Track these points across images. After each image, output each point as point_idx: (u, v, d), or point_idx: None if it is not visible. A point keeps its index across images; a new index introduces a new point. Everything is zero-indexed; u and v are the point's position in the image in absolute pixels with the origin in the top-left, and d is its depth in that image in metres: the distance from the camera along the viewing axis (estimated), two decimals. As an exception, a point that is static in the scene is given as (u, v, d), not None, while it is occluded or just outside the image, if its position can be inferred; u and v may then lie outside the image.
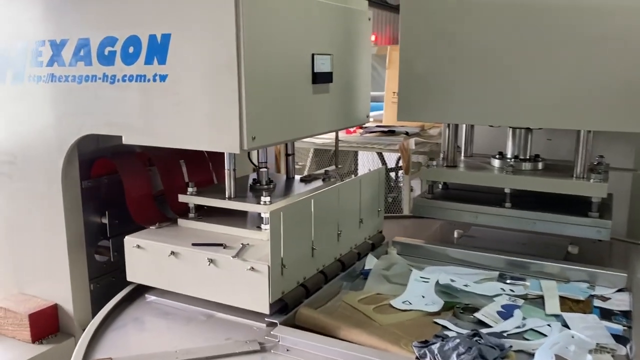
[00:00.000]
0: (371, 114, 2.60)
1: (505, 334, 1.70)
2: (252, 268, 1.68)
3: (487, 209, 2.36)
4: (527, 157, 2.44)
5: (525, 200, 2.40)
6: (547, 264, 2.18)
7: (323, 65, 1.95)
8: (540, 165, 2.43)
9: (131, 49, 1.74)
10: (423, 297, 1.95)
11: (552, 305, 1.89)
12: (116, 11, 1.75)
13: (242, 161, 2.28)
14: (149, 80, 1.73)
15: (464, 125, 2.70)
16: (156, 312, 1.89)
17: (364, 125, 3.94)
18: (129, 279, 1.96)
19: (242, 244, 1.81)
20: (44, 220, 2.06)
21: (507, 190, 2.33)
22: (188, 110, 1.68)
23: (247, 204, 1.91)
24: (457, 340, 1.54)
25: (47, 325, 2.09)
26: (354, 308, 1.89)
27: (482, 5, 2.20)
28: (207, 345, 1.64)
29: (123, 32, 1.75)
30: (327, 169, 2.43)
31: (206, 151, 2.30)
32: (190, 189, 2.03)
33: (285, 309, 1.74)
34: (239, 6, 1.54)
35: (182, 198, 2.04)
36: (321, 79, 1.95)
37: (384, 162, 4.72)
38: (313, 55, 1.90)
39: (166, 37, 1.67)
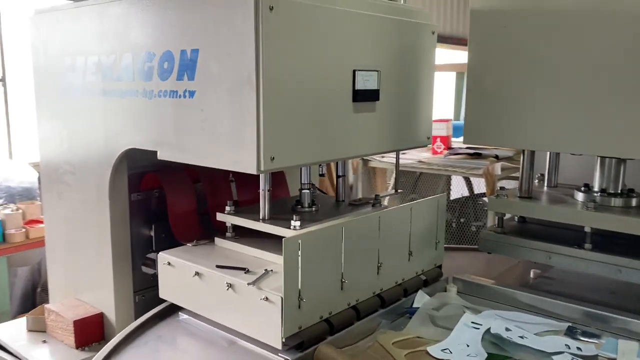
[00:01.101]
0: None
1: (552, 404, 1.42)
2: (267, 298, 1.57)
3: (563, 249, 2.04)
4: (618, 192, 2.09)
5: (613, 242, 2.05)
6: (634, 320, 1.83)
7: (367, 82, 1.81)
8: (634, 202, 2.06)
9: (166, 65, 1.73)
10: (468, 346, 1.71)
11: (624, 374, 1.56)
12: (154, 27, 1.75)
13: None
14: (180, 96, 1.70)
15: (548, 152, 2.38)
16: (181, 332, 1.84)
17: (451, 146, 3.69)
18: (160, 295, 1.94)
19: (265, 269, 1.70)
20: (94, 230, 2.12)
21: (587, 230, 1.99)
22: (212, 127, 1.63)
23: (275, 227, 1.81)
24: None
25: (91, 332, 2.13)
26: (386, 351, 1.71)
27: (565, 20, 1.92)
28: (215, 374, 1.56)
29: (159, 48, 1.74)
30: (386, 193, 2.26)
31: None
32: (228, 208, 1.97)
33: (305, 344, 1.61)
34: (259, 21, 1.45)
35: (219, 217, 1.99)
36: (364, 96, 1.81)
37: (470, 187, 4.38)
38: (354, 71, 1.76)
39: (195, 53, 1.63)
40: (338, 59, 1.72)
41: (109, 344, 1.73)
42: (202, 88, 1.64)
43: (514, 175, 3.43)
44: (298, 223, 1.75)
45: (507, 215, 2.35)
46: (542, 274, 2.37)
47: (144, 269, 2.20)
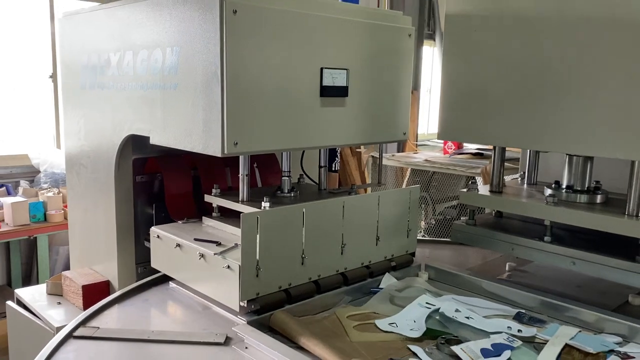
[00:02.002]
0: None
1: (473, 373, 1.56)
2: (228, 266, 1.78)
3: (524, 241, 2.15)
4: (584, 189, 2.17)
5: (576, 236, 2.14)
6: (584, 310, 1.92)
7: (336, 79, 1.99)
8: (598, 199, 2.15)
9: (156, 61, 1.98)
10: (414, 322, 1.87)
11: (549, 352, 1.67)
12: (148, 29, 2.01)
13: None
14: (166, 88, 1.95)
15: (528, 151, 2.49)
16: (166, 298, 2.08)
17: (462, 147, 3.79)
18: (152, 265, 2.20)
19: (236, 243, 1.92)
20: (102, 207, 2.40)
21: (546, 223, 2.10)
22: (189, 115, 1.86)
23: (248, 207, 2.02)
24: (397, 366, 1.47)
25: (97, 297, 2.39)
26: (339, 321, 1.88)
27: (529, 24, 2.04)
28: (182, 331, 1.79)
29: (151, 46, 1.99)
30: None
31: (254, 159, 2.49)
32: (214, 191, 2.20)
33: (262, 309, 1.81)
34: (224, 23, 1.68)
35: (207, 198, 2.22)
36: (331, 92, 1.99)
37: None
38: (322, 69, 1.96)
39: (177, 50, 1.87)
40: (304, 58, 1.91)
41: (101, 300, 2.00)
42: (182, 81, 1.88)
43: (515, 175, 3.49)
44: (268, 204, 1.95)
45: (488, 210, 2.48)
46: (517, 267, 2.47)
47: (146, 243, 2.46)
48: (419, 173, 4.34)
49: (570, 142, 2.02)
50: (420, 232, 4.00)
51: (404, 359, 1.65)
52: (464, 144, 4.08)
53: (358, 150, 4.74)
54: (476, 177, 3.37)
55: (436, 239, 3.01)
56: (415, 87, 6.09)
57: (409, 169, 4.30)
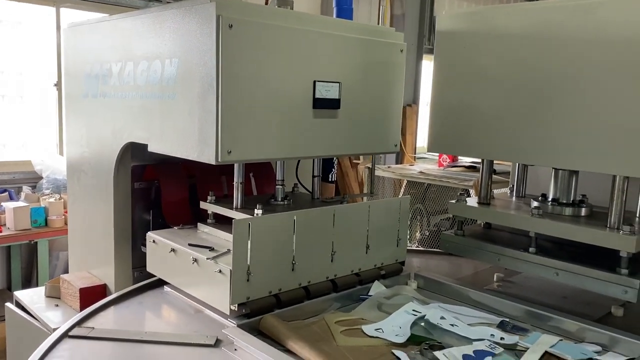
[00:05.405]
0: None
1: (454, 377, 1.62)
2: (220, 271, 1.85)
3: (510, 252, 2.20)
4: (570, 202, 2.23)
5: (561, 248, 2.19)
6: (566, 320, 1.98)
7: (328, 92, 2.07)
8: (583, 212, 2.20)
9: (155, 71, 2.05)
10: (400, 328, 1.92)
11: (528, 359, 1.72)
12: (148, 41, 2.09)
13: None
14: (164, 98, 2.03)
15: (517, 164, 2.55)
16: (160, 301, 2.14)
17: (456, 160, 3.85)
18: (148, 269, 2.26)
19: (228, 249, 1.98)
20: (101, 212, 2.47)
21: (531, 234, 2.16)
22: (186, 124, 1.93)
23: (241, 214, 2.08)
24: (379, 369, 1.52)
25: (94, 300, 2.45)
26: (327, 326, 1.94)
27: (515, 42, 2.11)
28: (174, 332, 1.85)
29: (151, 57, 2.07)
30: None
31: (250, 169, 2.55)
32: (209, 198, 2.27)
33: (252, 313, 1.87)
34: (219, 37, 1.76)
35: (202, 205, 2.29)
36: (324, 104, 2.07)
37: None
38: (315, 82, 2.03)
39: (175, 62, 1.95)
40: (298, 71, 1.99)
41: (97, 302, 2.06)
42: (180, 91, 1.95)
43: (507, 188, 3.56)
44: (260, 211, 2.02)
45: (479, 221, 2.54)
46: (505, 277, 2.52)
47: (143, 248, 2.52)
48: (415, 185, 4.41)
49: (556, 156, 2.08)
50: (415, 243, 4.07)
51: (387, 363, 1.70)
52: (459, 157, 4.16)
53: (356, 161, 4.81)
54: (470, 190, 3.44)
55: (429, 249, 3.06)
56: (415, 100, 6.19)
57: (405, 181, 4.38)
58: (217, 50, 1.76)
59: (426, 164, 4.01)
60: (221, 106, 1.78)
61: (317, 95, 2.04)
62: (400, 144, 5.54)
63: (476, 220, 2.56)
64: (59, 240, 4.58)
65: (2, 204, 4.42)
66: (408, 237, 4.44)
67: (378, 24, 5.93)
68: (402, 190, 4.42)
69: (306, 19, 2.02)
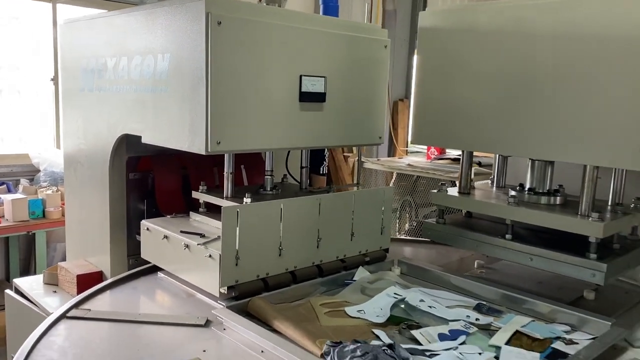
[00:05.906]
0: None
1: (427, 354, 1.72)
2: (210, 255, 1.95)
3: (487, 239, 2.31)
4: (545, 191, 2.34)
5: (538, 235, 2.30)
6: (539, 302, 2.09)
7: (313, 86, 2.17)
8: (557, 200, 2.31)
9: (148, 66, 2.15)
10: (381, 309, 2.02)
11: (500, 337, 1.83)
12: (142, 37, 2.18)
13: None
14: (157, 91, 2.12)
15: (497, 156, 2.65)
16: (154, 286, 2.24)
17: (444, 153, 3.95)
18: (142, 256, 2.36)
19: (218, 236, 2.08)
20: (97, 202, 2.57)
21: (507, 222, 2.26)
22: (177, 116, 2.03)
23: (230, 202, 2.18)
24: (358, 344, 1.63)
25: (91, 286, 2.54)
26: (312, 308, 2.04)
27: (496, 34, 2.21)
28: (167, 314, 1.95)
29: (144, 52, 2.17)
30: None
31: (241, 160, 2.65)
32: (201, 188, 2.37)
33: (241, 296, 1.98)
34: (209, 32, 1.85)
35: (194, 195, 2.39)
36: (310, 98, 2.16)
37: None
38: (301, 76, 2.13)
39: (167, 57, 2.04)
40: (285, 65, 2.08)
41: (93, 287, 2.16)
42: (172, 85, 2.05)
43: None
44: (249, 200, 2.12)
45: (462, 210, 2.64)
46: (485, 264, 2.63)
47: (138, 237, 2.62)
48: (405, 177, 4.51)
49: (532, 147, 2.18)
50: (404, 234, 4.18)
51: (368, 341, 1.80)
52: (447, 150, 4.27)
53: (347, 154, 4.91)
54: (456, 181, 3.55)
55: (416, 238, 3.17)
56: (406, 95, 6.29)
57: (395, 173, 4.48)
58: (207, 46, 1.85)
59: (418, 157, 4.12)
60: (210, 99, 1.88)
61: (304, 89, 2.14)
62: (392, 138, 5.63)
63: (460, 210, 2.67)
64: (57, 231, 4.68)
65: (1, 196, 4.52)
66: (397, 228, 4.55)
67: (370, 20, 6.03)
68: (392, 182, 4.53)
69: (293, 16, 2.11)
